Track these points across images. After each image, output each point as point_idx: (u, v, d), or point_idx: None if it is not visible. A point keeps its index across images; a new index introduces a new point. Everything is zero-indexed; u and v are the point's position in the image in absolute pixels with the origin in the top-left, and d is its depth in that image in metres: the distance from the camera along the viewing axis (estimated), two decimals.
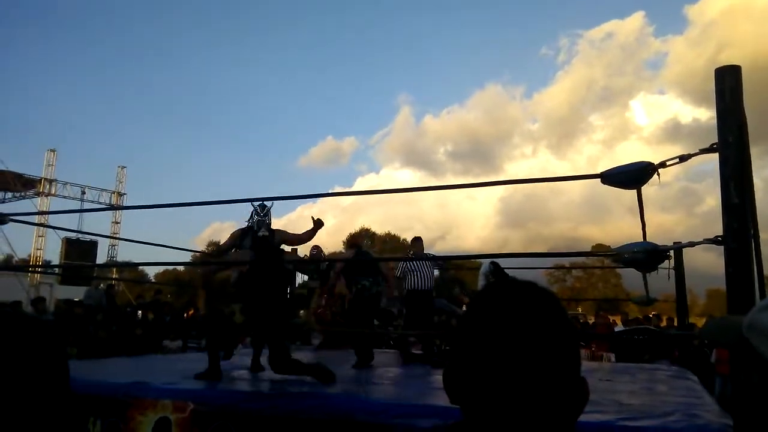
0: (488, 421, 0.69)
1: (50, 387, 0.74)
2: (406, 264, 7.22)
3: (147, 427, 3.26)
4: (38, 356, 0.74)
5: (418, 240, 7.44)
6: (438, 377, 4.25)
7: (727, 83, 2.65)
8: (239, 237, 5.04)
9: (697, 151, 2.80)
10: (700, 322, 12.05)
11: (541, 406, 0.68)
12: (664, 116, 71.97)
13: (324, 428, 2.90)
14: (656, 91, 72.56)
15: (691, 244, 2.82)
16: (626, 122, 68.91)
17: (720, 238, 2.57)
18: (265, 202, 5.11)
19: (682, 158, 2.92)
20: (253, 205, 5.16)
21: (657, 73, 72.82)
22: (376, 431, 2.80)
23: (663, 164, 2.97)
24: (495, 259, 6.45)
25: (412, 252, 7.68)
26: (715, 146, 2.66)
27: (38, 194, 22.99)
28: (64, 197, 23.38)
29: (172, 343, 10.32)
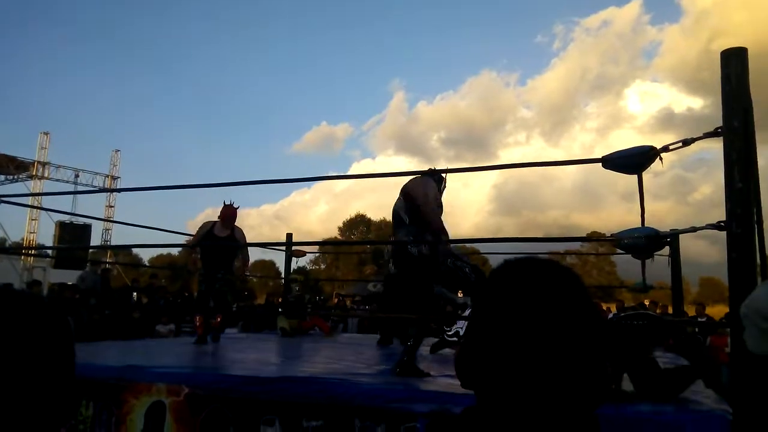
0: (505, 405, 0.65)
1: (58, 369, 0.69)
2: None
3: (140, 411, 3.23)
4: (46, 337, 0.69)
5: None
6: (433, 363, 4.20)
7: (733, 66, 2.60)
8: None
9: (701, 135, 2.76)
10: (692, 310, 12.10)
11: (563, 391, 0.63)
12: (657, 105, 72.23)
13: (321, 412, 2.87)
14: (650, 80, 72.64)
15: (693, 230, 2.78)
16: (620, 111, 69.12)
17: (723, 224, 2.54)
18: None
19: (685, 142, 2.87)
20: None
21: (651, 62, 72.90)
22: (374, 415, 2.78)
23: (666, 148, 2.93)
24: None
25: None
26: (719, 130, 2.62)
27: (31, 177, 22.83)
28: (57, 180, 23.25)
29: (164, 327, 10.26)
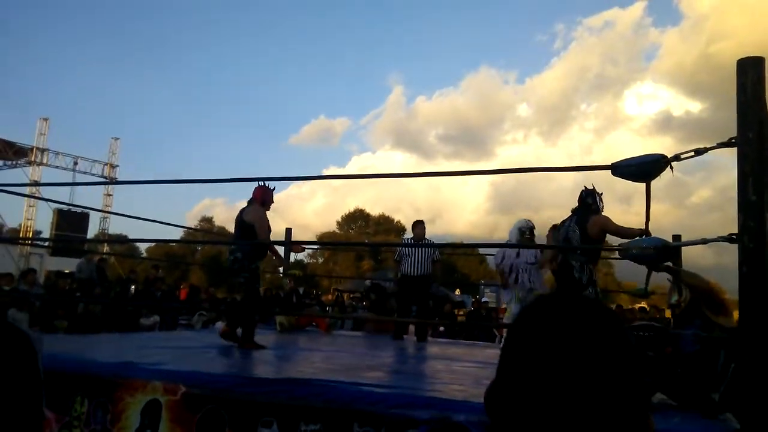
0: None
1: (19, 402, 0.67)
2: (403, 248, 7.24)
3: (136, 409, 3.18)
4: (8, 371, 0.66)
5: (419, 224, 7.27)
6: (434, 365, 4.18)
7: (750, 76, 2.54)
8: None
9: (715, 144, 2.71)
10: None
11: None
12: (655, 107, 71.96)
13: (320, 416, 2.83)
14: (649, 82, 72.44)
15: (704, 242, 2.73)
16: (618, 112, 68.93)
17: (734, 236, 2.49)
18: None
19: (698, 152, 2.83)
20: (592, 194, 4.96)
21: (650, 64, 72.64)
22: (374, 421, 2.74)
23: (677, 157, 2.88)
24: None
25: (411, 236, 7.49)
26: (733, 141, 2.57)
27: (30, 163, 22.70)
28: (56, 167, 23.11)
29: (148, 319, 10.09)
